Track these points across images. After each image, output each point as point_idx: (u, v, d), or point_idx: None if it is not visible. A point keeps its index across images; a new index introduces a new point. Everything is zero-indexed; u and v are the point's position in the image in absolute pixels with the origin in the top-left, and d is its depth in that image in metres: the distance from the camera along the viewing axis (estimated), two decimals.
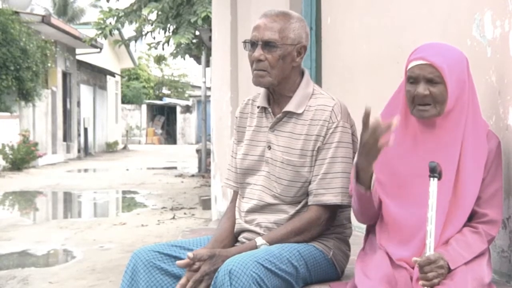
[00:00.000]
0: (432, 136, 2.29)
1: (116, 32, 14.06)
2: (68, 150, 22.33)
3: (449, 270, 2.12)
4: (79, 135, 23.88)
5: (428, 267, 2.06)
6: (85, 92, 25.26)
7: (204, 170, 15.93)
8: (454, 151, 2.26)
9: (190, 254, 2.35)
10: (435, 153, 2.25)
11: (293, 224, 2.50)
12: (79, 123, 23.93)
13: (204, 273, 2.33)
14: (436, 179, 2.13)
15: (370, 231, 2.47)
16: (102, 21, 13.43)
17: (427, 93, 2.24)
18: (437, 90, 2.23)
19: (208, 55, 14.07)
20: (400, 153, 2.33)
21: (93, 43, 17.24)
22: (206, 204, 9.90)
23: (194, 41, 13.81)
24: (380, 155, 2.25)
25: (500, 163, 2.32)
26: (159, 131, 39.31)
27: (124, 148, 30.21)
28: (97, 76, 27.32)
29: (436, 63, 2.23)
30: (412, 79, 2.26)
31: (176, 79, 40.98)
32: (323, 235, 2.56)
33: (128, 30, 17.02)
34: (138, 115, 38.37)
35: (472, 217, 2.28)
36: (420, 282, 2.07)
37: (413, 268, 2.18)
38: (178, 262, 2.37)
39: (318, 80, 4.90)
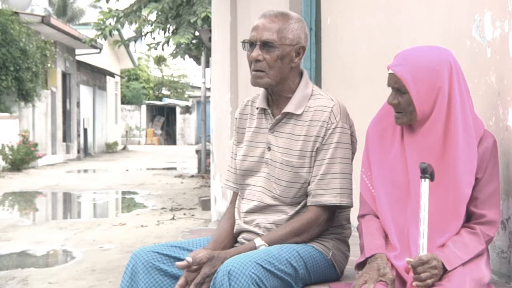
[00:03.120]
0: (415, 141, 2.30)
1: (115, 32, 14.06)
2: (67, 150, 22.33)
3: (446, 271, 2.12)
4: (78, 135, 23.89)
5: (421, 268, 2.06)
6: (84, 92, 25.26)
7: (203, 170, 15.94)
8: (436, 155, 2.25)
9: (189, 258, 2.35)
10: (419, 158, 2.25)
11: (292, 225, 2.49)
12: (78, 124, 23.93)
13: (205, 275, 2.33)
14: (427, 179, 2.13)
15: None
16: (101, 22, 13.43)
17: (395, 102, 2.28)
18: (403, 100, 2.26)
19: (208, 55, 14.08)
20: (390, 161, 2.34)
21: (92, 44, 17.25)
22: (205, 204, 9.90)
23: (194, 41, 13.81)
24: (371, 167, 2.33)
25: (497, 162, 2.31)
26: (159, 131, 39.32)
27: (124, 148, 30.21)
28: (96, 76, 27.32)
29: (398, 73, 2.25)
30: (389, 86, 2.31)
31: (176, 79, 40.98)
32: (322, 236, 2.55)
33: (128, 30, 17.04)
34: (138, 116, 38.38)
35: (470, 218, 2.27)
36: (414, 283, 2.07)
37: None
38: (177, 263, 2.37)
39: (317, 81, 4.90)
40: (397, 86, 2.26)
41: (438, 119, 2.25)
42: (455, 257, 2.14)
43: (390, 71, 2.28)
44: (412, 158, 2.28)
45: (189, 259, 2.34)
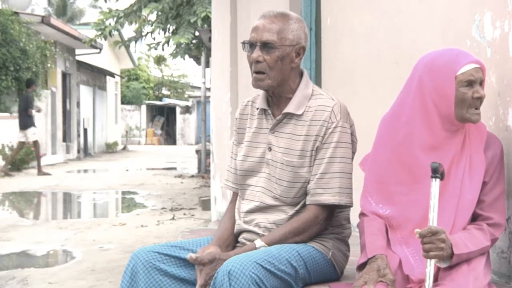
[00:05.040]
0: (454, 141, 2.30)
1: (116, 33, 14.05)
2: (67, 150, 22.32)
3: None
4: (78, 135, 23.87)
5: (427, 239, 2.06)
6: (84, 92, 25.25)
7: (203, 170, 15.92)
8: (465, 156, 2.28)
9: (192, 255, 2.36)
10: (453, 156, 2.27)
11: (292, 225, 2.50)
12: (78, 124, 23.92)
13: (207, 277, 2.35)
14: (438, 179, 2.13)
15: None
16: (101, 22, 13.42)
17: (483, 93, 2.29)
18: (484, 94, 2.29)
19: (208, 55, 14.07)
20: (421, 157, 2.33)
21: (92, 44, 17.24)
22: (205, 204, 9.89)
23: (194, 41, 13.81)
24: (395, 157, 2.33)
25: (503, 167, 2.34)
26: (159, 131, 39.32)
27: (124, 148, 30.20)
28: (96, 76, 27.32)
29: (484, 68, 2.30)
30: (467, 82, 2.27)
31: (176, 79, 40.98)
32: (322, 236, 2.55)
33: (128, 30, 17.03)
34: (138, 116, 38.38)
35: (476, 220, 2.30)
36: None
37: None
38: (190, 255, 2.38)
39: (317, 81, 4.90)
40: (483, 79, 2.30)
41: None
42: (463, 244, 2.15)
43: (477, 66, 2.28)
44: (441, 157, 2.27)
45: (193, 256, 2.36)
